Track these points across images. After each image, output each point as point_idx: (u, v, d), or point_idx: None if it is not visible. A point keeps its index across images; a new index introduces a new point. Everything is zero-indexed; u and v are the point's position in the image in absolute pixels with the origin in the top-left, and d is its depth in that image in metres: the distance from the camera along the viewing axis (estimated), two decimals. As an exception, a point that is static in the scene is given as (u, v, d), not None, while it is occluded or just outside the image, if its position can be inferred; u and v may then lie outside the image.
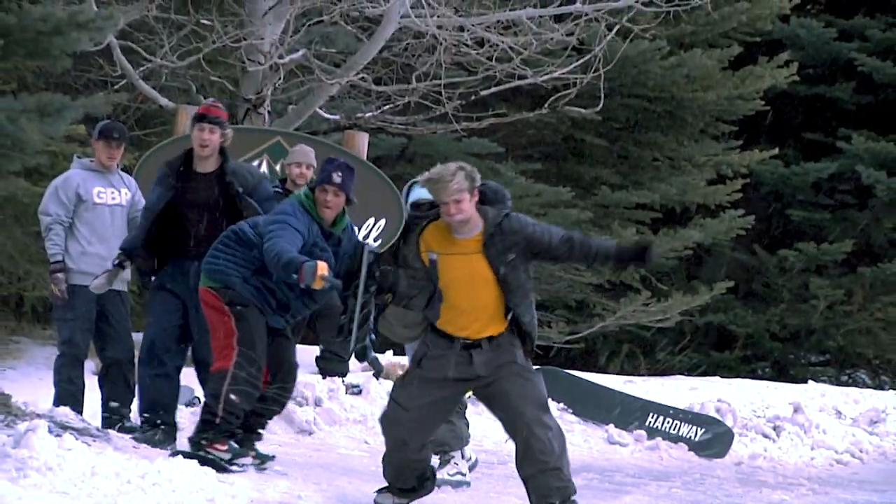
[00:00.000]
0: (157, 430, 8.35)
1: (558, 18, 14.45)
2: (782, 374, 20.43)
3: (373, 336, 7.08)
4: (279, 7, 13.45)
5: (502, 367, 6.86)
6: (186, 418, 9.07)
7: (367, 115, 14.37)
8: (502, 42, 13.78)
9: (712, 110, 19.00)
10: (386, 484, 7.23)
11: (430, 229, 6.89)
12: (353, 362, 11.87)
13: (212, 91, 14.09)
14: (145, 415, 8.47)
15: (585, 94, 14.84)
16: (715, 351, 20.71)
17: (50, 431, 6.87)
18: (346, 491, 7.86)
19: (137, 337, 8.80)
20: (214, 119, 8.34)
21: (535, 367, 7.07)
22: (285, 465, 8.26)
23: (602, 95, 14.52)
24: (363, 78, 13.82)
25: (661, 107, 18.64)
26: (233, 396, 7.53)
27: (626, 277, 18.55)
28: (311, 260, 7.16)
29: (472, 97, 14.63)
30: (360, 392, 11.31)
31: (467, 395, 7.46)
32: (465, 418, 8.60)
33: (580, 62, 14.16)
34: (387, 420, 7.06)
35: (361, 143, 12.87)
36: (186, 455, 7.38)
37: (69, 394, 8.77)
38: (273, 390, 7.90)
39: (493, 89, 14.53)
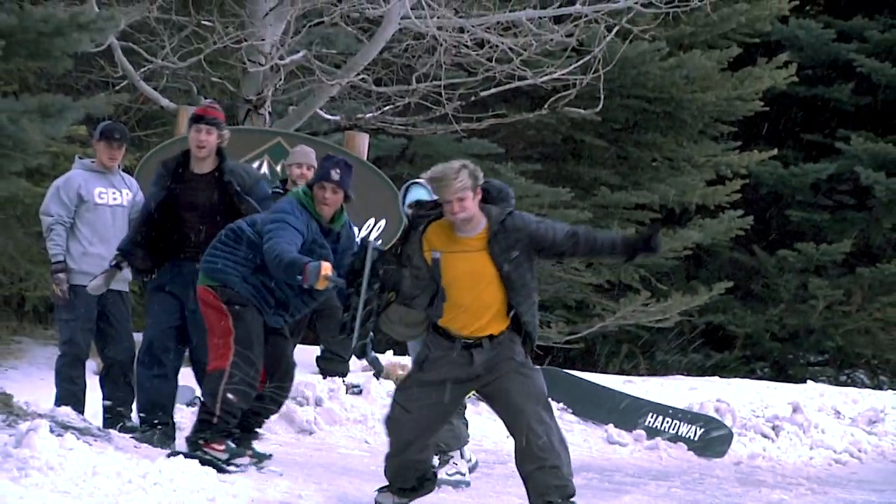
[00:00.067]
0: (155, 430, 8.37)
1: (558, 19, 14.47)
2: (781, 374, 20.44)
3: (371, 334, 7.10)
4: (280, 8, 13.47)
5: (502, 365, 6.88)
6: (187, 418, 9.09)
7: (368, 115, 14.39)
8: (502, 43, 13.80)
9: (711, 111, 19.00)
10: (386, 483, 7.25)
11: (433, 228, 6.91)
12: (354, 362, 11.90)
13: (213, 92, 14.11)
14: (143, 415, 8.49)
15: (585, 95, 14.86)
16: (714, 351, 20.71)
17: (51, 431, 6.89)
18: (347, 490, 7.88)
19: (138, 337, 8.82)
20: (211, 120, 8.36)
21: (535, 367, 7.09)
22: (286, 465, 8.28)
23: (601, 96, 14.54)
24: (363, 79, 13.85)
25: (660, 108, 18.66)
26: (230, 396, 7.53)
27: (625, 277, 18.56)
28: (314, 261, 7.18)
29: (472, 98, 14.65)
30: (360, 392, 11.33)
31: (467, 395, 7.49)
32: (465, 418, 8.61)
33: (580, 63, 14.17)
34: (390, 422, 7.08)
35: (362, 143, 12.90)
36: (184, 455, 7.40)
37: (70, 394, 8.79)
38: (270, 390, 7.91)
39: (493, 90, 14.55)
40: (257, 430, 8.07)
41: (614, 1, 14.08)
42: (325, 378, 11.39)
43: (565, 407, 12.59)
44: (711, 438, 12.60)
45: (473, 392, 7.25)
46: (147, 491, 6.55)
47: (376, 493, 7.29)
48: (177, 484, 6.71)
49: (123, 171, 9.25)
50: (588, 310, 18.48)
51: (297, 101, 14.61)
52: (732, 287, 19.35)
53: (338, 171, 7.55)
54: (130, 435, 8.31)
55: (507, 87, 14.50)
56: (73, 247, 8.86)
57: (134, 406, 8.74)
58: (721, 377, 17.14)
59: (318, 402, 10.90)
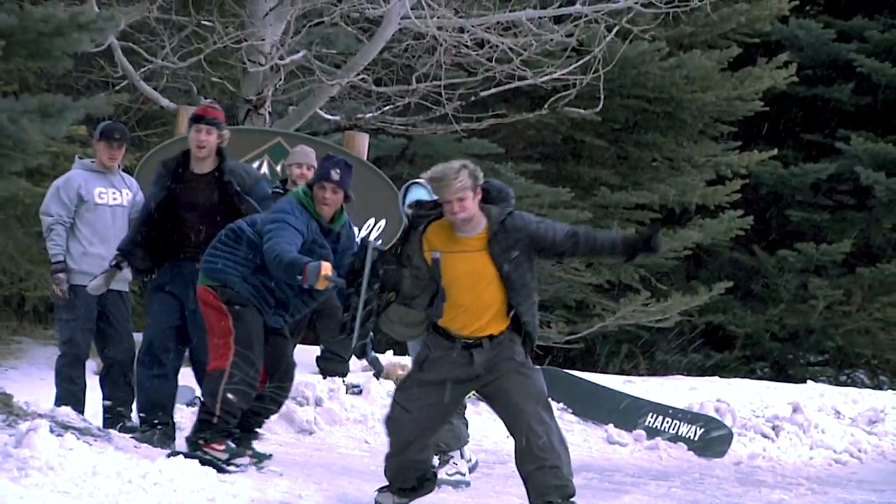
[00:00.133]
0: (155, 430, 8.38)
1: (558, 19, 14.47)
2: (781, 374, 20.44)
3: (371, 334, 7.10)
4: (280, 8, 13.48)
5: (502, 365, 6.88)
6: (187, 418, 9.09)
7: (368, 115, 14.39)
8: (502, 43, 13.81)
9: (711, 111, 19.01)
10: (386, 483, 7.25)
11: (433, 228, 6.91)
12: (354, 362, 11.90)
13: (213, 92, 14.12)
14: (143, 415, 8.49)
15: (585, 95, 14.86)
16: (714, 351, 20.71)
17: (51, 431, 6.90)
18: (347, 490, 7.88)
19: (139, 337, 8.82)
20: (211, 120, 8.36)
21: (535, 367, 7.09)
22: (286, 465, 8.28)
23: (601, 96, 14.54)
24: (363, 79, 13.85)
25: (660, 108, 18.66)
26: (230, 396, 7.53)
27: (625, 277, 18.57)
28: (314, 261, 7.18)
29: (472, 98, 14.65)
30: (360, 392, 11.34)
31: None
32: (465, 418, 8.62)
33: (580, 63, 14.18)
34: (390, 422, 7.08)
35: (362, 143, 12.90)
36: (184, 455, 7.41)
37: (70, 394, 8.79)
38: (270, 389, 7.91)
39: (493, 90, 14.55)
40: (257, 430, 8.07)
41: (614, 1, 14.09)
42: (325, 378, 11.40)
43: (565, 407, 12.59)
44: (711, 438, 12.61)
45: (473, 392, 7.25)
46: (147, 491, 6.55)
47: (376, 492, 7.29)
48: (177, 484, 6.71)
49: (123, 171, 9.25)
50: (588, 310, 18.49)
51: (297, 101, 14.62)
52: (732, 287, 19.35)
53: (338, 170, 7.56)
54: (130, 435, 8.31)
55: (507, 87, 14.51)
56: (73, 247, 8.87)
57: (134, 406, 8.74)
58: (721, 377, 17.15)
59: (318, 402, 10.91)
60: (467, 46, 13.83)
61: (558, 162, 19.10)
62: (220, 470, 7.38)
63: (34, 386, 10.57)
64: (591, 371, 16.19)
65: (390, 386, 11.33)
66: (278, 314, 7.75)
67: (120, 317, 8.93)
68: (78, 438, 7.07)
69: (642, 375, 17.32)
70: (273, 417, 8.42)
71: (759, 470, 12.10)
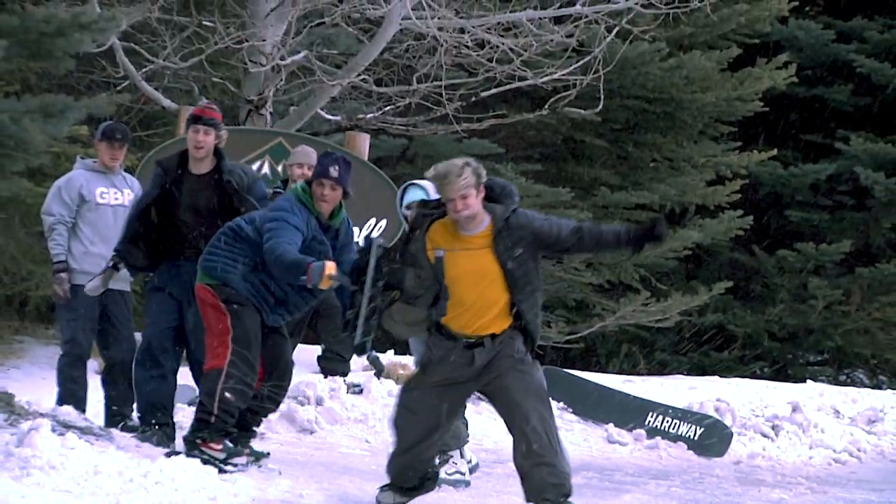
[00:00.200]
0: (155, 430, 8.39)
1: (558, 20, 14.49)
2: (781, 373, 20.45)
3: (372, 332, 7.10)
4: (281, 9, 13.50)
5: (502, 363, 6.89)
6: (188, 418, 9.10)
7: (369, 116, 14.41)
8: (503, 44, 13.83)
9: (711, 111, 19.02)
10: (388, 481, 7.27)
11: (437, 226, 6.92)
12: (355, 362, 11.92)
13: (214, 92, 14.15)
14: (142, 416, 8.50)
15: (585, 96, 14.89)
16: (714, 351, 20.73)
17: (53, 430, 6.91)
18: (348, 490, 7.89)
19: (140, 336, 8.84)
20: (209, 121, 8.37)
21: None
22: (287, 464, 8.29)
23: (602, 97, 14.57)
24: (364, 79, 13.88)
25: (660, 108, 18.68)
26: (228, 395, 7.53)
27: (625, 277, 18.58)
28: (317, 260, 7.18)
29: (473, 98, 14.68)
30: (361, 391, 11.35)
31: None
32: (465, 418, 8.63)
33: (580, 64, 14.20)
34: (395, 424, 7.10)
35: (362, 143, 12.92)
36: (184, 454, 7.43)
37: (72, 393, 8.81)
38: (268, 388, 7.90)
39: (494, 91, 14.58)
40: (255, 428, 8.07)
41: (614, 2, 14.11)
42: (326, 377, 11.41)
43: (565, 407, 12.60)
44: (711, 438, 12.62)
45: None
46: (148, 490, 6.57)
47: (377, 491, 7.31)
48: (178, 483, 6.73)
49: (125, 171, 9.27)
50: (588, 310, 18.50)
51: (298, 102, 14.64)
52: (732, 287, 19.37)
53: (336, 167, 7.56)
54: (132, 434, 8.32)
55: (508, 87, 14.53)
56: (75, 246, 8.88)
57: (135, 406, 8.75)
58: (721, 377, 17.15)
59: (319, 402, 10.92)
60: (468, 47, 13.86)
61: (558, 162, 19.11)
62: (219, 469, 7.39)
63: (36, 385, 10.59)
64: (591, 371, 16.21)
65: (391, 385, 11.35)
66: (277, 312, 7.75)
67: (121, 316, 8.95)
68: (79, 438, 7.08)
69: (642, 375, 17.33)
70: (273, 416, 8.43)
71: (759, 469, 12.11)
